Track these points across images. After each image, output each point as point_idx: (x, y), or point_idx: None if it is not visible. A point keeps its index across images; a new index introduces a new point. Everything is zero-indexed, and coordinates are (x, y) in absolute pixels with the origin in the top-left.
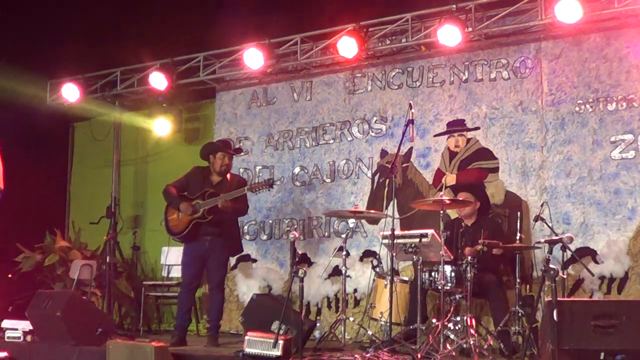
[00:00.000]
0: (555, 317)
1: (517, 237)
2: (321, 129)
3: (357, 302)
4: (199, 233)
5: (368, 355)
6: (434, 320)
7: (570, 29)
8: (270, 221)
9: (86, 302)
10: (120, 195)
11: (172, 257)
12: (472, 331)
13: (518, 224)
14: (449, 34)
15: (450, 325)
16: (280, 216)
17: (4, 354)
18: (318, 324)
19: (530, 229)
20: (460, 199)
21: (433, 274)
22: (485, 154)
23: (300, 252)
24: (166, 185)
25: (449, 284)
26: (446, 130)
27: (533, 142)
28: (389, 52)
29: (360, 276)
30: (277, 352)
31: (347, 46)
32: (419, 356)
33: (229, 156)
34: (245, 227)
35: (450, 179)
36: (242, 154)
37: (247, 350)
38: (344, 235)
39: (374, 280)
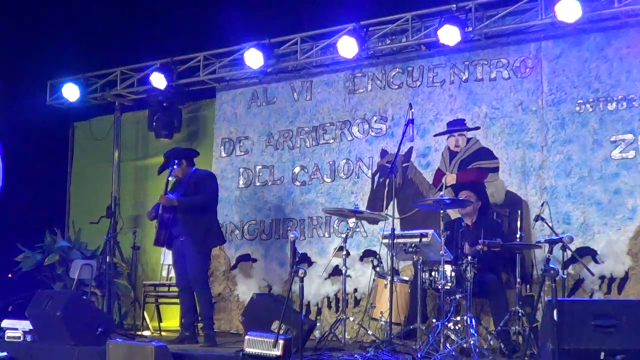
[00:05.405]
0: (555, 317)
1: (517, 237)
2: (321, 129)
3: (357, 302)
4: (171, 234)
5: (368, 355)
6: (434, 320)
7: (571, 29)
8: (270, 221)
9: (86, 302)
10: (120, 195)
11: None
12: (472, 331)
13: (518, 223)
14: (449, 34)
15: (450, 325)
16: (280, 216)
17: (4, 354)
18: (318, 324)
19: (530, 228)
20: (462, 197)
21: (433, 273)
22: (486, 153)
23: (300, 252)
24: None
25: (449, 284)
26: (446, 130)
27: (533, 141)
28: (389, 52)
29: (361, 276)
30: (277, 352)
31: (347, 46)
32: (419, 356)
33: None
34: (245, 227)
35: (451, 178)
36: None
37: (247, 350)
38: (344, 235)
39: (374, 280)
